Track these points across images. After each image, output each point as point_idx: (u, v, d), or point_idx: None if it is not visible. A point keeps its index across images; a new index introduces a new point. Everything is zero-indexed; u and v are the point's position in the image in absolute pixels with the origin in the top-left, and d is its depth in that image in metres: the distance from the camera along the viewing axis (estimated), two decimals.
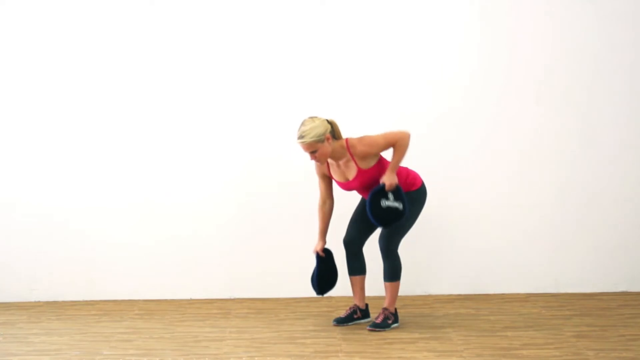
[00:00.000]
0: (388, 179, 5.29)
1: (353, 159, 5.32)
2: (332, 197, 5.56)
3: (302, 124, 5.29)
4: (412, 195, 5.44)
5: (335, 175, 5.46)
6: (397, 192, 5.30)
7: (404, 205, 5.31)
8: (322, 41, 6.19)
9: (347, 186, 5.44)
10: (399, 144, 5.29)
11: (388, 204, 5.29)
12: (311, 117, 5.32)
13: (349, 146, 5.31)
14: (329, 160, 5.43)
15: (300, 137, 5.25)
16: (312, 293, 6.09)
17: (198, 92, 6.23)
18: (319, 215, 5.58)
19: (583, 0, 6.13)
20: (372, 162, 5.36)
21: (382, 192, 5.29)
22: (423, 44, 6.18)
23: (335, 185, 5.54)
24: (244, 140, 6.24)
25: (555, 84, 6.18)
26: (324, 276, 5.62)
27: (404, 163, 5.53)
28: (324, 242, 5.60)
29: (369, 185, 5.40)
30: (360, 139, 5.33)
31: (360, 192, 5.50)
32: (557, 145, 6.22)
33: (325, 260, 5.61)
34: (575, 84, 6.18)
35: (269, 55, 6.20)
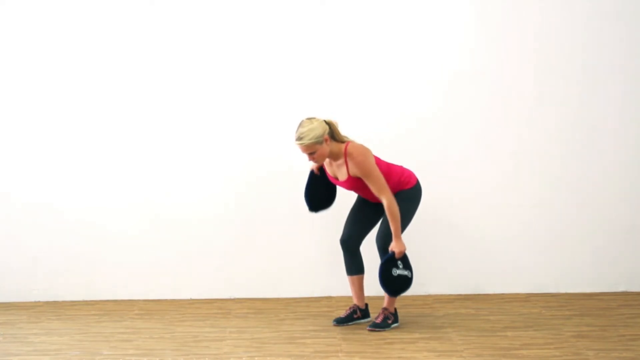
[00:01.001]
0: (397, 248, 5.30)
1: (346, 163, 5.31)
2: None
3: (300, 125, 5.28)
4: (407, 193, 5.43)
5: (328, 168, 5.47)
6: (405, 260, 5.34)
7: (411, 273, 5.36)
8: (322, 41, 6.18)
9: (336, 182, 5.46)
10: (390, 209, 5.25)
11: (399, 272, 5.33)
12: (309, 118, 5.31)
13: (346, 152, 5.30)
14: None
15: (299, 138, 5.24)
16: (312, 293, 6.11)
17: (198, 92, 6.23)
18: None
19: None
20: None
21: (392, 261, 5.32)
22: (422, 43, 6.18)
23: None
24: (244, 141, 6.24)
25: (553, 83, 6.18)
26: (314, 193, 5.59)
27: (401, 161, 5.54)
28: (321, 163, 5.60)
29: (358, 189, 5.40)
30: (360, 154, 5.25)
31: (354, 190, 5.49)
32: (557, 145, 6.21)
33: (318, 178, 5.59)
34: (574, 83, 6.18)
35: (268, 55, 6.19)
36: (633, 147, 6.21)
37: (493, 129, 6.21)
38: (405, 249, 5.33)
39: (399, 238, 5.31)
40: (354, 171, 5.28)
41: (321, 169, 5.60)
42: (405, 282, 5.36)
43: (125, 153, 6.26)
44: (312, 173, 5.60)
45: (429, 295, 6.27)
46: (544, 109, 6.19)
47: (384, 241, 5.42)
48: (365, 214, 5.55)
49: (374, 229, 5.58)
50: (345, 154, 5.29)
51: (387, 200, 5.26)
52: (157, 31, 6.19)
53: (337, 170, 5.40)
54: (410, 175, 5.48)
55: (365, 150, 5.29)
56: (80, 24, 6.19)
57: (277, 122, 6.19)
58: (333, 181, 5.47)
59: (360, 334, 5.41)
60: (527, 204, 6.24)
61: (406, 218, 5.44)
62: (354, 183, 5.34)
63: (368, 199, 5.50)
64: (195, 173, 6.27)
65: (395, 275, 5.33)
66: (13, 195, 6.28)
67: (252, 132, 6.24)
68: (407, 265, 5.35)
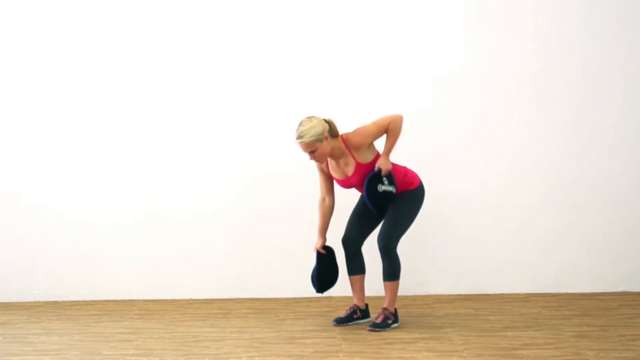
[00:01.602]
0: (384, 165, 5.34)
1: (350, 153, 5.33)
2: (333, 194, 5.56)
3: (300, 124, 5.29)
4: (410, 194, 5.44)
5: (334, 173, 5.46)
6: (390, 177, 5.37)
7: (396, 189, 5.38)
8: (322, 41, 6.19)
9: (346, 183, 5.44)
10: (391, 127, 5.33)
11: (384, 188, 5.36)
12: (309, 117, 5.32)
13: (344, 140, 5.32)
14: (328, 159, 5.43)
15: (299, 137, 5.25)
16: (312, 293, 6.09)
17: (198, 92, 6.23)
18: (319, 212, 5.59)
19: None
20: (369, 157, 5.36)
21: (378, 177, 5.35)
22: (421, 42, 6.18)
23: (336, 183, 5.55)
24: (244, 140, 6.24)
25: (553, 82, 6.18)
26: (323, 274, 5.62)
27: (403, 162, 5.54)
28: (324, 239, 5.61)
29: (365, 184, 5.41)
30: (354, 131, 5.36)
31: (359, 188, 5.50)
32: (557, 145, 6.22)
33: (325, 258, 5.62)
34: (574, 83, 6.18)
35: (268, 55, 6.20)
36: (633, 147, 6.21)
37: (493, 129, 6.21)
38: (391, 167, 5.36)
39: (387, 156, 5.36)
40: (359, 150, 5.32)
41: (326, 247, 5.61)
42: (390, 197, 5.39)
43: (125, 153, 6.26)
44: (318, 254, 5.62)
45: (429, 295, 6.27)
46: (543, 108, 6.20)
47: (385, 241, 5.42)
48: (367, 214, 5.55)
49: (376, 230, 5.58)
50: (345, 142, 5.31)
51: (392, 118, 5.34)
52: (157, 31, 6.20)
53: (344, 167, 5.40)
54: (413, 176, 5.49)
55: (355, 129, 5.38)
56: (81, 24, 6.19)
57: (277, 122, 6.19)
58: (342, 184, 5.45)
59: (360, 334, 5.41)
60: (527, 203, 6.25)
61: (409, 219, 5.45)
62: (364, 171, 5.35)
63: None
64: (195, 173, 6.27)
65: (381, 191, 5.35)
66: (13, 195, 6.28)
67: (252, 132, 6.24)
68: (392, 182, 5.38)
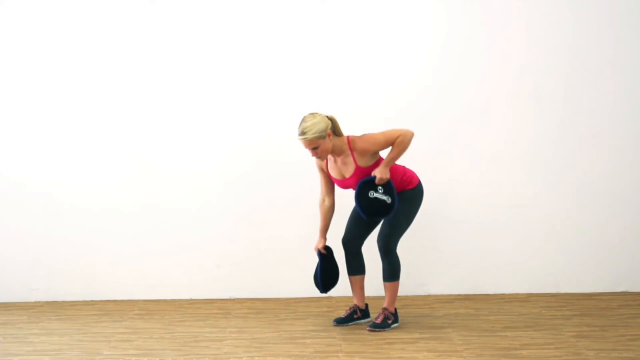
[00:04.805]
0: (380, 173, 5.30)
1: (352, 155, 5.32)
2: (333, 194, 5.55)
3: (303, 120, 5.29)
4: (408, 194, 5.44)
5: (332, 171, 5.46)
6: (388, 187, 5.32)
7: (393, 200, 5.31)
8: (322, 41, 6.19)
9: (343, 183, 5.44)
10: (399, 140, 5.28)
11: (376, 195, 5.30)
12: (312, 114, 5.32)
13: (349, 142, 5.32)
14: (329, 156, 5.42)
15: (302, 133, 5.25)
16: (312, 293, 6.09)
17: (199, 92, 6.23)
18: (320, 213, 5.58)
19: None
20: (370, 161, 5.36)
21: (371, 184, 5.30)
22: (420, 42, 6.18)
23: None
24: (244, 141, 6.24)
25: (555, 81, 6.18)
26: (327, 273, 5.61)
27: (403, 162, 5.54)
28: (325, 239, 5.60)
29: None
30: (361, 136, 5.33)
31: None
32: (557, 145, 6.22)
33: (327, 258, 5.61)
34: (574, 82, 6.18)
35: (269, 55, 6.20)
36: (633, 147, 6.21)
37: (494, 129, 6.21)
38: (388, 177, 5.30)
39: (386, 166, 5.30)
40: (363, 155, 5.30)
41: (327, 247, 5.59)
42: (383, 207, 5.32)
43: (125, 154, 6.26)
44: (320, 254, 5.60)
45: (429, 295, 6.27)
46: (544, 108, 6.19)
47: (385, 241, 5.42)
48: None
49: (376, 230, 5.58)
50: (349, 143, 5.31)
51: (402, 132, 5.28)
52: (157, 31, 6.19)
53: (342, 167, 5.39)
54: (412, 175, 5.49)
55: (363, 134, 5.35)
56: (81, 23, 6.18)
57: (277, 122, 6.19)
58: (339, 184, 5.45)
59: (360, 334, 5.42)
60: (527, 203, 6.24)
61: (408, 219, 5.45)
62: (362, 175, 5.34)
63: None
64: (196, 174, 6.27)
65: (372, 198, 5.30)
66: (13, 195, 6.28)
67: (252, 133, 6.24)
68: (389, 192, 5.31)
